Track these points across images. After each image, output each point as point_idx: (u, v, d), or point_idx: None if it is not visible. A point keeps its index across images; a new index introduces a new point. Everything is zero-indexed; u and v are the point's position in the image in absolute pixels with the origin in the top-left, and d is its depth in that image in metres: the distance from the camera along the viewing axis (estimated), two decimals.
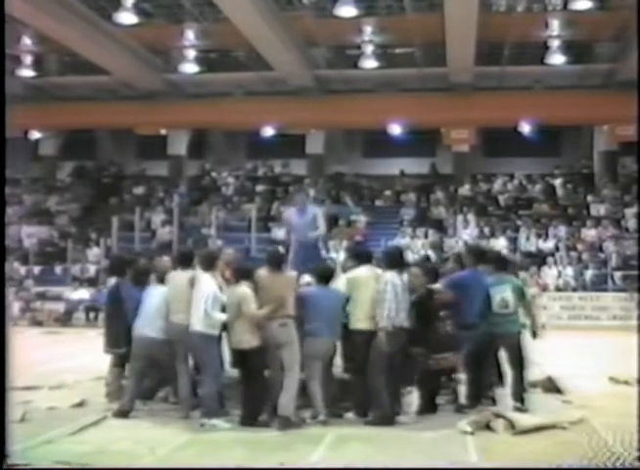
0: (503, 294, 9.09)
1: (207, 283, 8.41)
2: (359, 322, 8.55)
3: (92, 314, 21.10)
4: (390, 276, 8.51)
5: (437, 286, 9.12)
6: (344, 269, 9.46)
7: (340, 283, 8.87)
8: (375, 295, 8.46)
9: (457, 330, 8.87)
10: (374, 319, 8.42)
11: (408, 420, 8.38)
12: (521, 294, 9.23)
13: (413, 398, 8.50)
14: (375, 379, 8.31)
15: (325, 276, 8.76)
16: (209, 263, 8.65)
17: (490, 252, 10.53)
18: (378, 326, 8.33)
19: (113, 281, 10.29)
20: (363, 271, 8.77)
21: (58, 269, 24.58)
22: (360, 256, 9.19)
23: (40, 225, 26.47)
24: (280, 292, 8.39)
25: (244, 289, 8.36)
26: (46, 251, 25.44)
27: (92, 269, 24.04)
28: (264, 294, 8.35)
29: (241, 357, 8.37)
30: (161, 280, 9.12)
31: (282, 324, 8.32)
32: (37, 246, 25.57)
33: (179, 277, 8.73)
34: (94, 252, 24.57)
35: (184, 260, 8.99)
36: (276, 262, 8.65)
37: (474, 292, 9.05)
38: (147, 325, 8.73)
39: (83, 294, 22.19)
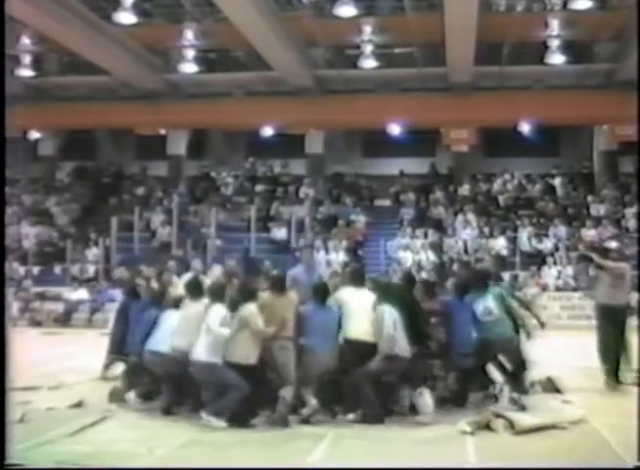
0: (485, 303, 9.38)
1: (217, 312, 8.55)
2: (351, 332, 8.75)
3: (92, 315, 21.13)
4: (389, 309, 8.69)
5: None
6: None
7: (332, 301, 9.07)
8: (370, 316, 8.67)
9: (451, 357, 9.18)
10: (367, 331, 8.62)
11: (426, 419, 8.41)
12: (501, 300, 9.55)
13: (426, 397, 8.55)
14: (362, 383, 8.47)
15: (321, 293, 8.93)
16: (219, 294, 8.83)
17: (474, 276, 10.68)
18: (378, 351, 8.53)
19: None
20: (356, 295, 8.96)
21: (57, 269, 24.54)
22: (355, 279, 9.36)
23: (39, 225, 26.43)
24: (282, 313, 8.68)
25: (251, 306, 8.48)
26: (45, 251, 25.38)
27: (91, 269, 24.03)
28: (267, 314, 8.52)
29: (237, 370, 8.41)
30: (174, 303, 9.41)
31: (282, 347, 8.55)
32: (36, 246, 25.52)
33: (193, 309, 8.90)
34: (93, 252, 24.54)
35: (194, 290, 9.22)
36: (280, 287, 8.86)
37: (460, 317, 9.30)
38: (162, 344, 8.86)
39: (82, 294, 22.17)
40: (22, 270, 23.98)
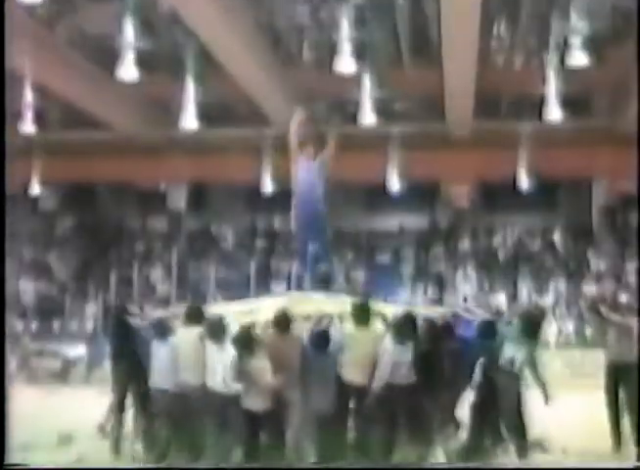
0: (510, 353, 9.20)
1: (223, 353, 8.43)
2: (349, 374, 8.69)
3: (90, 371, 20.92)
4: (390, 344, 8.59)
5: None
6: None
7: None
8: (371, 353, 8.58)
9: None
10: (367, 374, 8.55)
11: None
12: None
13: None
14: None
15: (322, 341, 8.78)
16: (221, 334, 8.61)
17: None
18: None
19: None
20: (358, 333, 8.85)
21: (55, 325, 24.41)
22: (358, 316, 9.18)
23: (39, 280, 26.35)
24: (288, 356, 8.49)
25: (261, 362, 8.35)
26: (44, 306, 25.29)
27: (89, 325, 23.90)
28: (272, 358, 8.37)
29: (250, 417, 8.36)
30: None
31: (288, 390, 8.46)
32: (35, 301, 25.42)
33: (188, 335, 8.73)
34: (91, 307, 24.43)
35: (193, 318, 9.00)
36: (284, 325, 8.68)
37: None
38: (161, 380, 8.72)
39: (80, 350, 21.99)
40: (20, 326, 23.84)
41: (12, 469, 5.91)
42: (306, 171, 10.65)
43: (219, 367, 8.34)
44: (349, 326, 9.06)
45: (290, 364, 8.43)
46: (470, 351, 9.20)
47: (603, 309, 10.85)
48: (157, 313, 10.27)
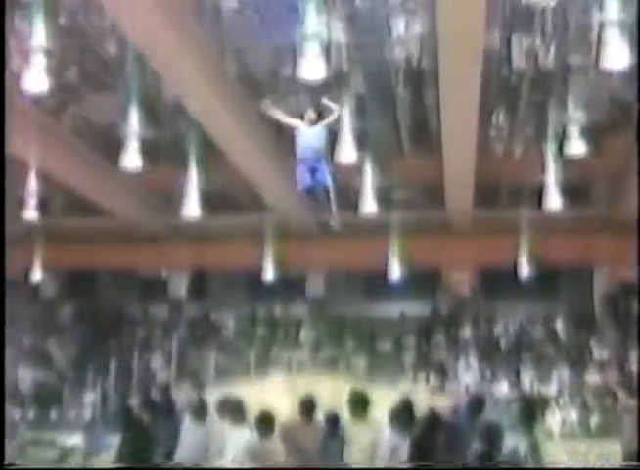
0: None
1: (239, 434, 8.39)
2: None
3: (87, 461, 20.59)
4: (388, 431, 8.55)
5: None
6: None
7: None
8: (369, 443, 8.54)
9: None
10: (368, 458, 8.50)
11: None
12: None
13: None
14: None
15: (332, 422, 8.74)
16: (239, 415, 8.60)
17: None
18: None
19: None
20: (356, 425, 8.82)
21: (53, 413, 24.14)
22: (357, 403, 9.15)
23: (37, 368, 26.16)
24: (306, 440, 8.43)
25: (275, 445, 8.27)
26: (41, 394, 25.05)
27: (87, 414, 23.63)
28: (289, 441, 8.31)
29: None
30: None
31: None
32: (33, 389, 25.19)
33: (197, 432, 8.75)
34: (90, 395, 24.20)
35: (199, 412, 9.07)
36: (308, 411, 8.65)
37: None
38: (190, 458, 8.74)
39: (77, 439, 21.70)
40: (17, 414, 23.56)
41: (12, 469, 5.81)
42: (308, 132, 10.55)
43: (230, 446, 8.28)
44: (347, 417, 9.06)
45: (306, 448, 8.35)
46: (466, 435, 9.10)
47: (621, 394, 10.72)
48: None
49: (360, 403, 9.08)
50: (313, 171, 10.05)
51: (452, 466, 7.03)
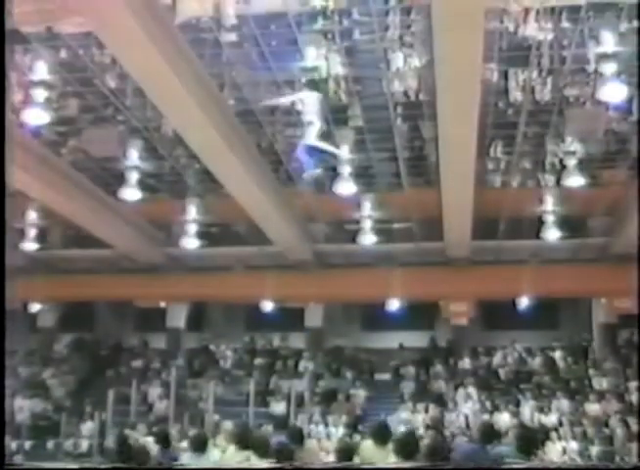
0: None
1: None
2: None
3: None
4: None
5: None
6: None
7: None
8: None
9: None
10: None
11: None
12: None
13: None
14: None
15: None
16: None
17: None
18: None
19: None
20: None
21: (50, 444, 24.03)
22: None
23: (35, 398, 26.07)
24: None
25: None
26: (39, 424, 24.95)
27: (85, 445, 23.52)
28: None
29: None
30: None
31: None
32: (30, 419, 25.09)
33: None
34: (88, 426, 24.09)
35: (199, 445, 9.07)
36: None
37: None
38: None
39: None
40: (13, 445, 23.43)
41: (12, 469, 5.79)
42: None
43: None
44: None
45: None
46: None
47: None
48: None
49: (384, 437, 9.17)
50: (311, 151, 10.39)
51: (450, 466, 7.00)
